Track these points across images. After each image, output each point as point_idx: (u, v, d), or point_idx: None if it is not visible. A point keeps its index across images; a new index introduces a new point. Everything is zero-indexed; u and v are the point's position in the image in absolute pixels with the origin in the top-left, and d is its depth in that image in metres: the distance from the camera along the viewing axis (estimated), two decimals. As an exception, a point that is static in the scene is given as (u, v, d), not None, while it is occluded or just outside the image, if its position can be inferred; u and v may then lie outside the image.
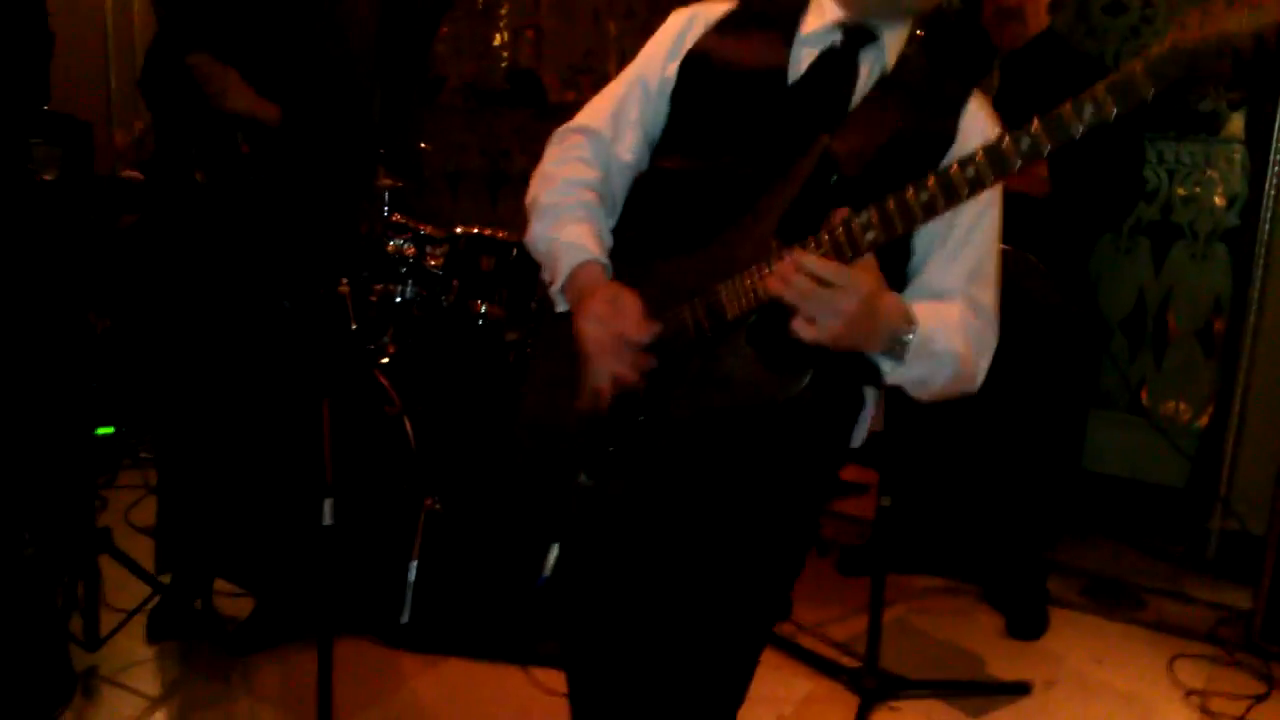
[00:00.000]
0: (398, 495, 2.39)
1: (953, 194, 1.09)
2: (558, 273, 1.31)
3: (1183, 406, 3.29)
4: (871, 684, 2.27)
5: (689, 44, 1.34)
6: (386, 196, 2.82)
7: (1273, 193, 2.98)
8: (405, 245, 2.81)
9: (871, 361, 1.20)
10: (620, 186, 1.38)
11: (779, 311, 1.14)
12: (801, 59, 1.28)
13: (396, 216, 2.83)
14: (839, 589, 2.86)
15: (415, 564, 2.20)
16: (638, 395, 1.24)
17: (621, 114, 1.38)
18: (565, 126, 1.41)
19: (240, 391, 2.30)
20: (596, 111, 1.39)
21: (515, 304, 2.85)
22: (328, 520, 1.67)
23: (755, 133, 1.26)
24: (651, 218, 1.34)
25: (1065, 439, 3.07)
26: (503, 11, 4.92)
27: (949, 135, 1.23)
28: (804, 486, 1.31)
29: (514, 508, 1.48)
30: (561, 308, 1.32)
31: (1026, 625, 2.66)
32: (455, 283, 2.78)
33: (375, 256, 2.77)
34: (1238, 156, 3.17)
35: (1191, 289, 3.26)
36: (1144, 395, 3.33)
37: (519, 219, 3.49)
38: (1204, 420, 3.23)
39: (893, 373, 1.19)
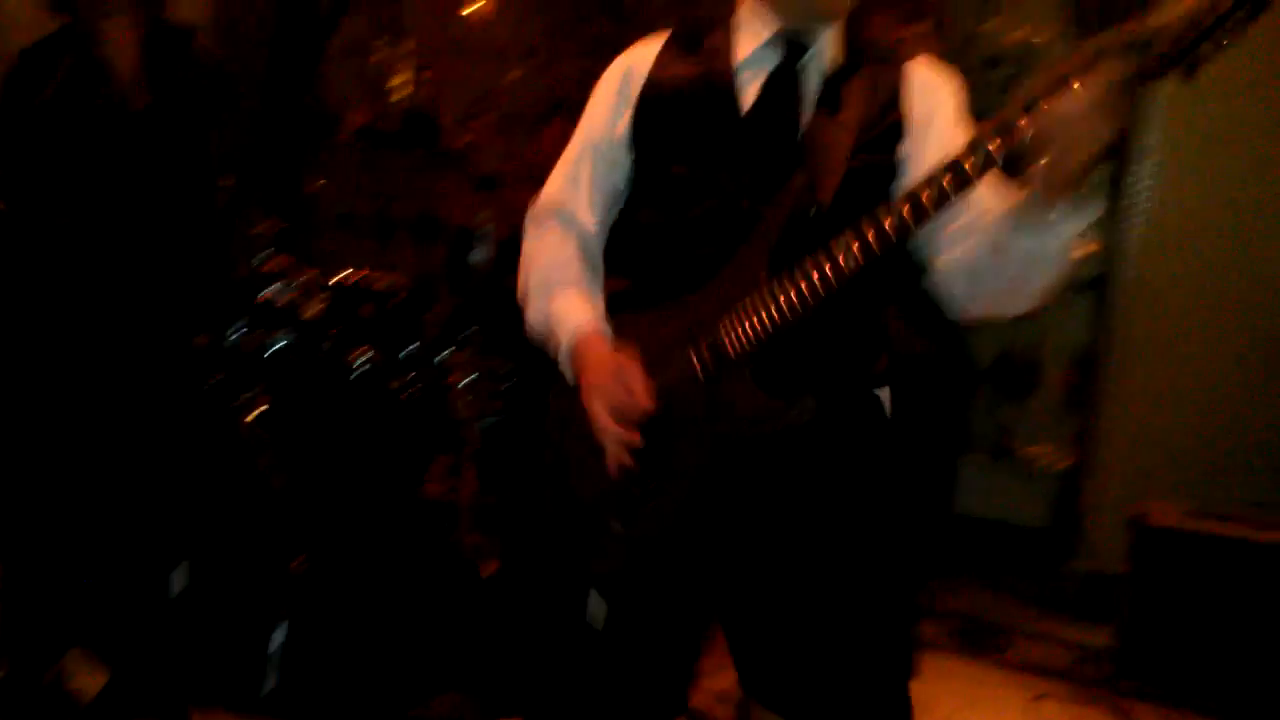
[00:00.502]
0: (264, 556, 2.33)
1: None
2: (557, 347, 1.38)
3: (1047, 450, 3.44)
4: (746, 734, 2.30)
5: (634, 96, 1.38)
6: (264, 241, 2.78)
7: (1129, 244, 3.16)
8: (283, 292, 2.76)
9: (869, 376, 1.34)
10: (596, 249, 1.44)
11: (778, 342, 1.22)
12: (745, 86, 1.32)
13: (272, 264, 2.79)
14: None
15: (282, 628, 2.14)
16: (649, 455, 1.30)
17: (579, 182, 1.43)
18: (533, 209, 1.48)
19: (86, 449, 2.21)
20: (555, 185, 1.46)
21: (395, 353, 2.83)
22: (179, 587, 1.61)
23: (722, 173, 1.31)
24: (638, 270, 1.38)
25: (935, 484, 3.17)
26: (400, 52, 4.91)
27: (898, 122, 1.30)
28: (856, 504, 1.34)
29: (553, 563, 1.46)
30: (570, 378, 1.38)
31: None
32: (334, 331, 2.74)
33: (247, 304, 2.71)
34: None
35: (1057, 337, 3.42)
36: (1010, 439, 3.47)
37: (406, 265, 3.47)
38: (1066, 464, 3.38)
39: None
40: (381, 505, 2.68)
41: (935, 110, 1.31)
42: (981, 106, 1.40)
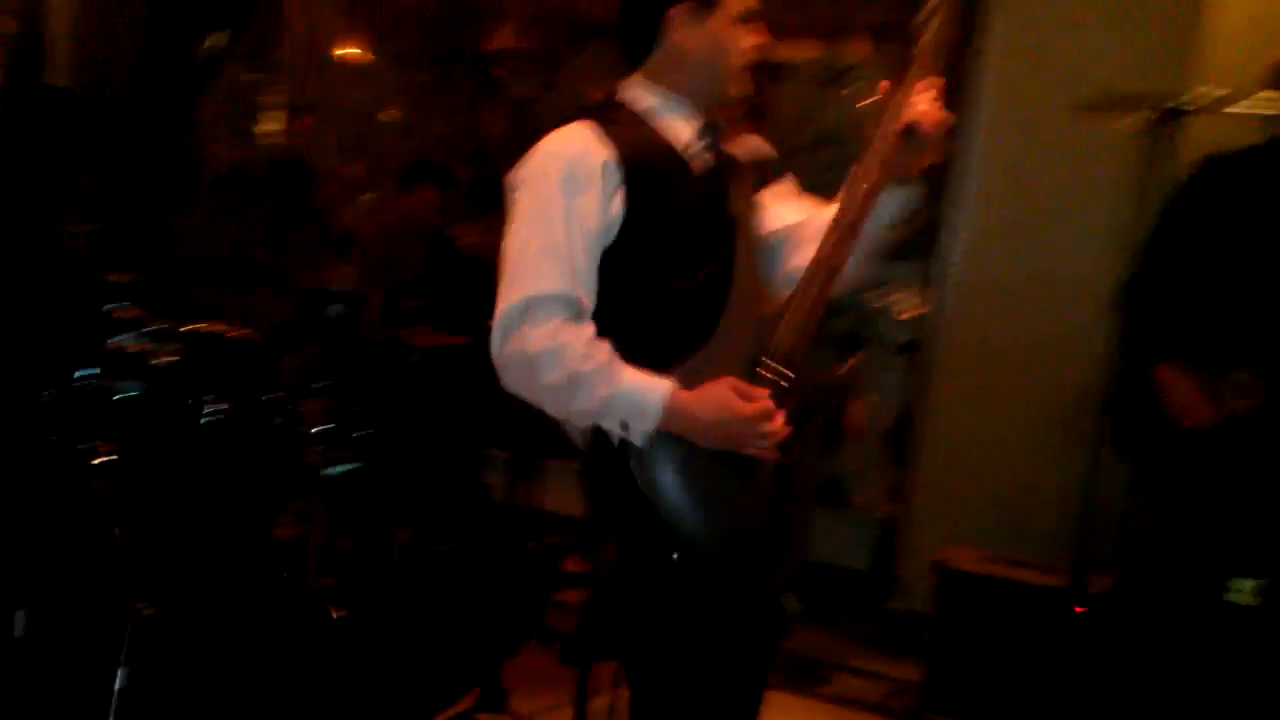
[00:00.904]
0: (105, 601, 2.37)
1: None
2: (647, 417, 1.47)
3: (870, 498, 3.72)
4: (577, 767, 2.44)
5: (619, 180, 1.54)
6: (119, 289, 2.82)
7: (942, 311, 3.49)
8: (132, 341, 2.81)
9: None
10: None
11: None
12: (693, 163, 1.62)
13: (123, 313, 2.83)
14: (559, 678, 3.02)
15: (123, 671, 2.19)
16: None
17: (578, 270, 1.52)
18: (526, 304, 1.50)
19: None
20: (549, 279, 1.50)
21: (248, 402, 2.90)
22: (19, 632, 1.67)
23: (696, 241, 1.59)
24: (648, 334, 1.55)
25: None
26: (270, 97, 4.96)
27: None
28: None
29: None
30: (641, 442, 1.48)
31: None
32: (183, 382, 2.80)
33: (94, 353, 2.75)
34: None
35: (882, 394, 3.72)
36: (840, 489, 3.75)
37: (264, 315, 3.54)
38: (886, 512, 3.68)
39: None
40: (230, 549, 2.74)
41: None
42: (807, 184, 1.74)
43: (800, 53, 4.07)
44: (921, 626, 3.15)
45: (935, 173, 3.18)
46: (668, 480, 1.49)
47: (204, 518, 2.72)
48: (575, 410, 1.51)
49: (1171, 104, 1.89)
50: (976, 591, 2.92)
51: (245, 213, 4.63)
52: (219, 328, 2.86)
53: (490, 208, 4.35)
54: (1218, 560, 2.46)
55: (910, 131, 1.58)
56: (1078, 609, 2.82)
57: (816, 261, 1.59)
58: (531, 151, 1.60)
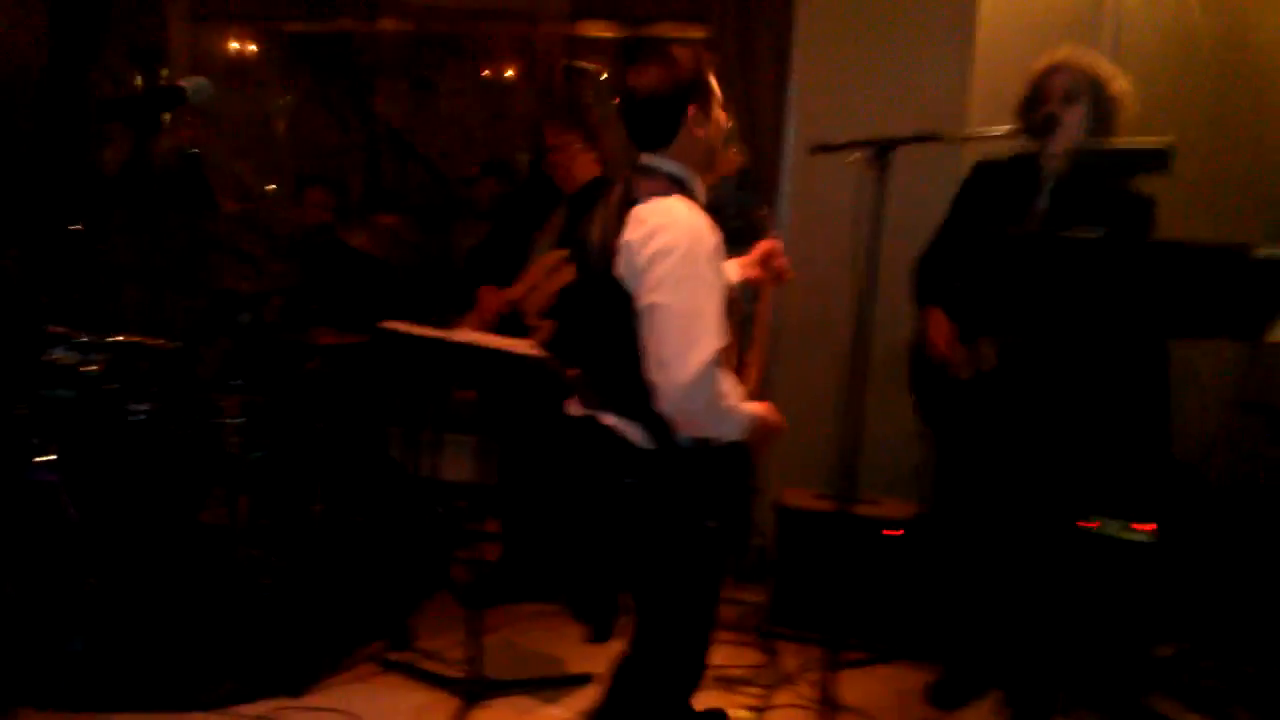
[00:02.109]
0: (61, 576, 2.80)
1: None
2: (743, 429, 2.12)
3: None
4: (471, 689, 2.93)
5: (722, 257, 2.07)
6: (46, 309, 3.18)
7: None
8: (62, 353, 3.18)
9: None
10: None
11: None
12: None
13: (55, 328, 3.19)
14: (463, 621, 3.50)
15: (78, 639, 2.63)
16: None
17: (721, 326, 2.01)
18: (716, 353, 1.98)
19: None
20: (718, 332, 1.99)
21: (173, 401, 3.30)
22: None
23: None
24: None
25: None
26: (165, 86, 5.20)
27: None
28: None
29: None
30: None
31: (602, 632, 3.43)
32: (112, 386, 3.19)
33: (32, 366, 3.11)
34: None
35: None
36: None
37: (178, 319, 3.99)
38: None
39: None
40: (163, 531, 3.15)
41: None
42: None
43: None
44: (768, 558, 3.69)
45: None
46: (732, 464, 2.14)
47: (138, 505, 3.13)
48: (731, 430, 2.07)
49: (883, 141, 2.39)
50: (807, 525, 3.47)
51: (149, 218, 4.92)
52: (139, 338, 3.24)
53: (375, 212, 4.72)
54: (983, 489, 3.01)
55: None
56: (885, 532, 3.40)
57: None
58: (671, 221, 2.00)
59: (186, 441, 3.26)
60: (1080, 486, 3.00)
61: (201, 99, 2.51)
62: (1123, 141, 2.92)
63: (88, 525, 2.88)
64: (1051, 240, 2.44)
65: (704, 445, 2.09)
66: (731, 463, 2.14)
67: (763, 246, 2.40)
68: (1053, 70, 2.83)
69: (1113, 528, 3.15)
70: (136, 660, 2.84)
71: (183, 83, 2.49)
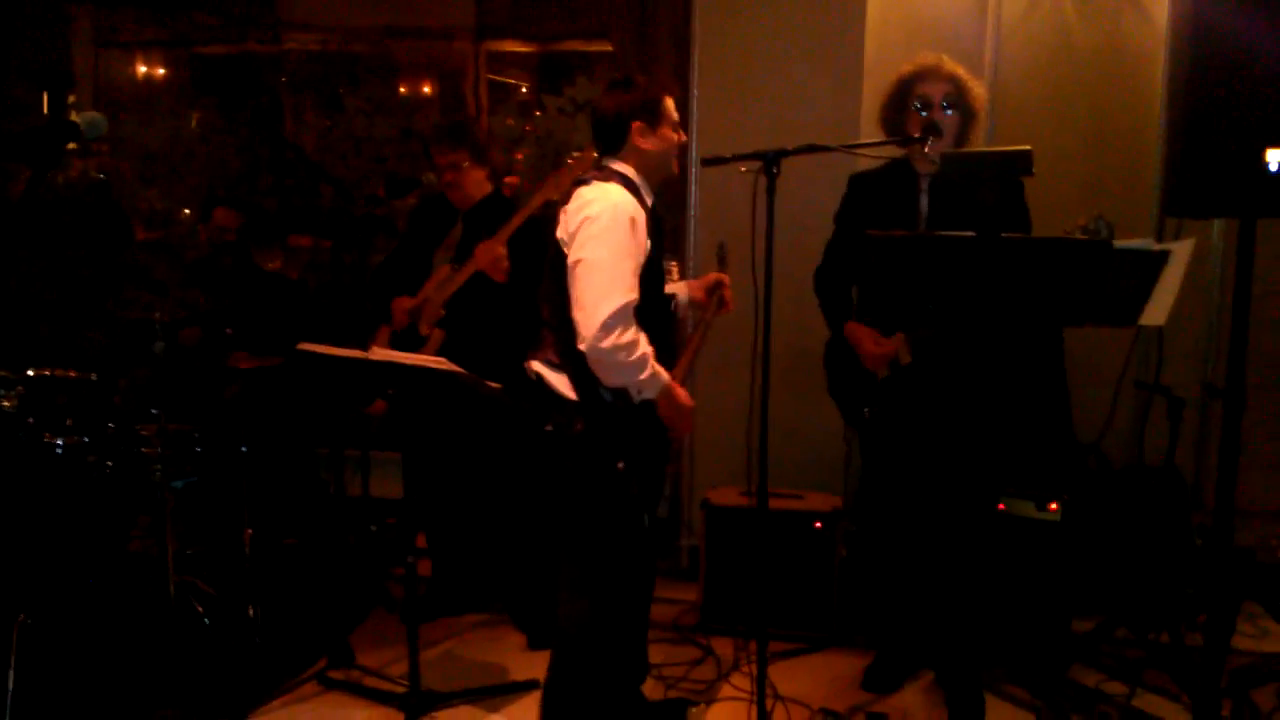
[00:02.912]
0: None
1: None
2: (656, 390, 2.46)
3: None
4: (414, 703, 2.96)
5: (645, 229, 2.42)
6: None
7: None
8: (-24, 391, 3.11)
9: None
10: None
11: None
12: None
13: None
14: (402, 636, 3.52)
15: (11, 674, 2.58)
16: None
17: (635, 287, 2.37)
18: (624, 310, 2.32)
19: None
20: (631, 293, 2.35)
21: (93, 432, 3.25)
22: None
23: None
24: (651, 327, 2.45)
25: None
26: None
27: None
28: None
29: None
30: None
31: (541, 639, 3.48)
32: (30, 420, 3.13)
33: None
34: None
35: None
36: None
37: (94, 352, 3.94)
38: (672, 466, 4.29)
39: None
40: (92, 563, 3.10)
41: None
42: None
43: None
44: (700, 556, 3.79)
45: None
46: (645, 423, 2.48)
47: (65, 539, 3.08)
48: (638, 380, 2.39)
49: (771, 153, 2.52)
50: (735, 521, 3.57)
51: (59, 249, 4.82)
52: (54, 371, 3.19)
53: (286, 234, 4.71)
54: (906, 477, 3.15)
55: None
56: (816, 525, 3.53)
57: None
58: (603, 195, 2.41)
59: (109, 472, 3.22)
60: (992, 470, 3.16)
61: (95, 133, 2.52)
62: (988, 149, 3.12)
63: (14, 562, 2.83)
64: (933, 240, 2.59)
65: (624, 399, 2.44)
66: (645, 419, 2.48)
67: (713, 277, 2.86)
68: (921, 76, 2.97)
69: (1024, 508, 3.33)
70: (72, 694, 2.80)
71: (75, 117, 2.48)
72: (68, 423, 3.19)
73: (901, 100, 2.99)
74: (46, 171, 2.79)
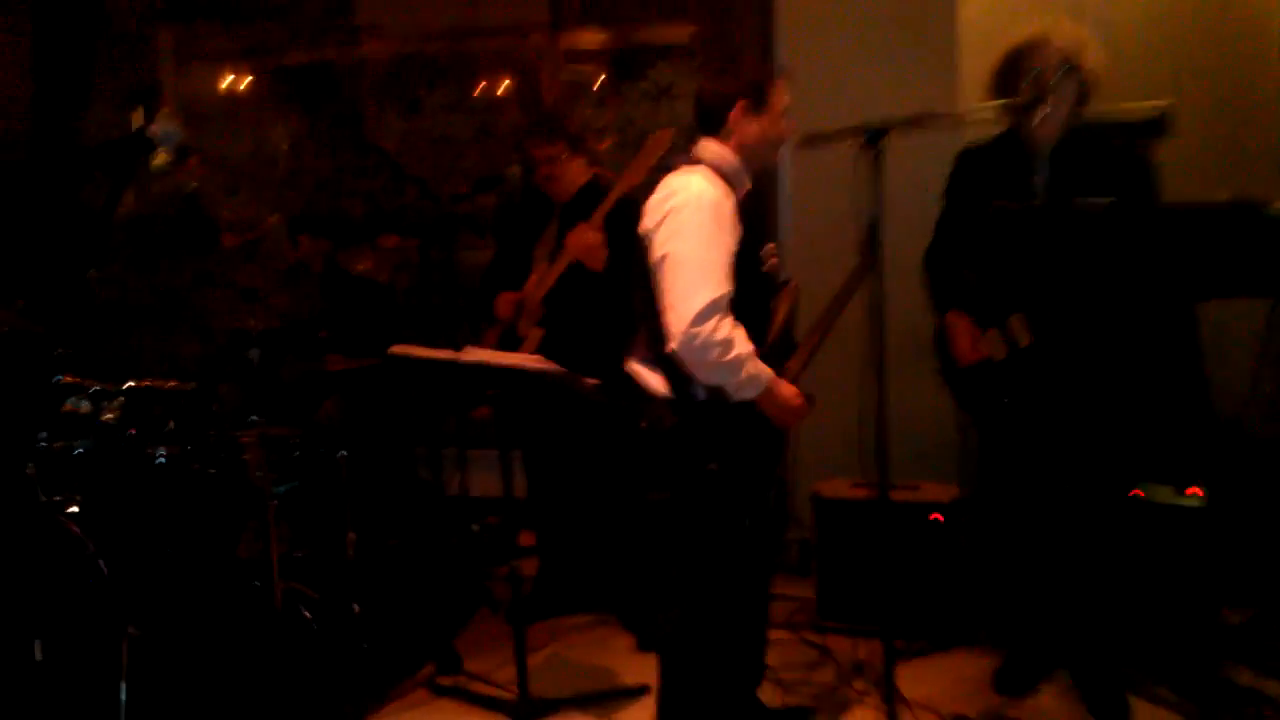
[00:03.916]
0: (100, 627, 2.73)
1: None
2: (759, 389, 2.35)
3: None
4: (523, 710, 2.87)
5: (732, 217, 2.31)
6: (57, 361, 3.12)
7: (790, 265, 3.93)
8: (80, 404, 3.11)
9: None
10: None
11: None
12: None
13: (68, 377, 3.13)
14: (508, 639, 3.44)
15: (124, 685, 2.55)
16: None
17: (727, 279, 2.25)
18: (717, 302, 2.21)
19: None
20: (723, 285, 2.23)
21: (194, 441, 3.24)
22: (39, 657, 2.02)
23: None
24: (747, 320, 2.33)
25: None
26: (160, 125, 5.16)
27: None
28: None
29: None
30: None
31: (650, 639, 3.36)
32: (132, 432, 3.13)
33: (50, 417, 3.05)
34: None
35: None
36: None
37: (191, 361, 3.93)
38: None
39: None
40: (201, 570, 3.09)
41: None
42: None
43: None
44: (812, 551, 3.63)
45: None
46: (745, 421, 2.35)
47: (174, 548, 3.07)
48: (735, 381, 2.26)
49: (874, 127, 2.36)
50: (848, 514, 3.41)
51: (156, 261, 4.88)
52: (153, 382, 3.18)
53: (375, 236, 4.69)
54: (1030, 466, 2.95)
55: None
56: (935, 516, 3.35)
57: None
58: (686, 185, 2.31)
59: (211, 480, 3.21)
60: (1126, 455, 2.95)
61: (170, 144, 2.48)
62: (1120, 108, 2.89)
63: (121, 574, 2.81)
64: (1063, 211, 2.40)
65: (719, 398, 2.31)
66: (745, 420, 2.35)
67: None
68: (1034, 44, 2.77)
69: (1162, 494, 3.11)
70: (183, 704, 2.77)
71: (151, 129, 2.45)
72: (169, 433, 3.18)
73: (1013, 66, 2.79)
74: (124, 183, 2.77)
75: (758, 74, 2.48)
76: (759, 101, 2.40)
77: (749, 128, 2.40)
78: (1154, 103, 2.24)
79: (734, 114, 2.39)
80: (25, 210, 4.55)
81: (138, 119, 4.81)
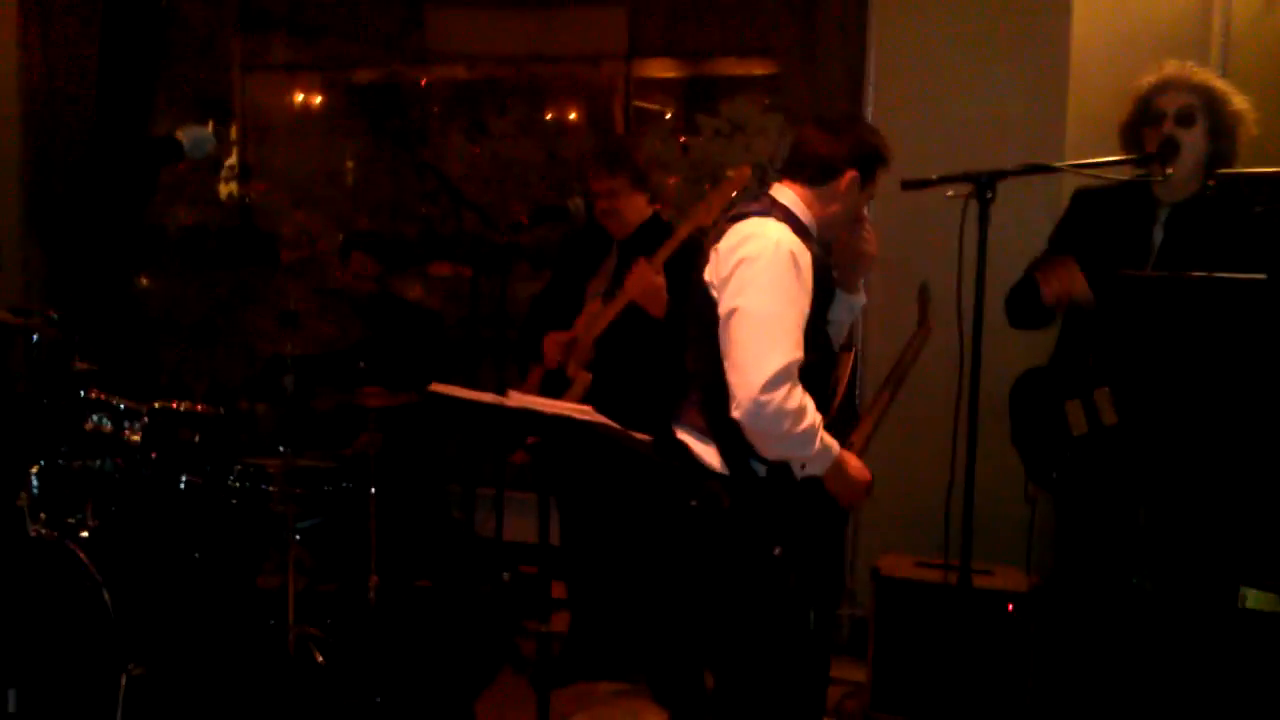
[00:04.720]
0: (98, 664, 2.55)
1: None
2: (826, 464, 2.10)
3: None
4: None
5: (810, 277, 2.05)
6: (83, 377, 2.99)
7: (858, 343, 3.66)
8: (103, 421, 2.97)
9: None
10: None
11: None
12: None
13: (93, 393, 2.99)
14: (532, 703, 3.20)
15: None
16: None
17: (799, 344, 2.01)
18: (788, 369, 1.97)
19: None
20: (795, 351, 1.99)
21: (218, 469, 3.08)
22: (11, 709, 1.84)
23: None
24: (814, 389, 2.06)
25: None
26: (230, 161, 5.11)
27: None
28: None
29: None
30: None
31: (686, 715, 3.10)
32: (154, 454, 2.97)
33: (72, 434, 2.92)
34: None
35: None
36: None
37: (232, 377, 3.73)
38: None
39: None
40: (215, 601, 2.92)
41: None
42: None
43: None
44: (867, 630, 3.35)
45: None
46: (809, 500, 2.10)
47: (190, 574, 2.91)
48: (805, 454, 2.03)
49: (984, 174, 2.15)
50: (911, 596, 3.12)
51: (206, 275, 4.79)
52: (180, 403, 3.02)
53: (429, 260, 4.54)
54: (1122, 556, 2.67)
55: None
56: (1010, 607, 3.05)
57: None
58: (761, 233, 2.05)
59: (233, 509, 3.05)
60: (1225, 555, 2.65)
61: (201, 152, 2.32)
62: (1268, 170, 2.61)
63: (132, 602, 2.64)
64: (1204, 284, 2.13)
65: (782, 474, 2.06)
66: (810, 499, 2.10)
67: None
68: (1162, 88, 2.55)
69: (1266, 601, 2.79)
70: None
71: (180, 135, 2.30)
72: (194, 457, 3.03)
73: (1140, 115, 2.55)
74: (148, 188, 2.62)
75: (877, 148, 2.20)
76: (868, 177, 2.19)
77: (847, 198, 2.18)
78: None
79: (843, 181, 2.16)
80: (83, 215, 4.47)
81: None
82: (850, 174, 2.15)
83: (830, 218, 2.19)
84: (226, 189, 5.04)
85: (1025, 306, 2.69)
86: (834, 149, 2.15)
